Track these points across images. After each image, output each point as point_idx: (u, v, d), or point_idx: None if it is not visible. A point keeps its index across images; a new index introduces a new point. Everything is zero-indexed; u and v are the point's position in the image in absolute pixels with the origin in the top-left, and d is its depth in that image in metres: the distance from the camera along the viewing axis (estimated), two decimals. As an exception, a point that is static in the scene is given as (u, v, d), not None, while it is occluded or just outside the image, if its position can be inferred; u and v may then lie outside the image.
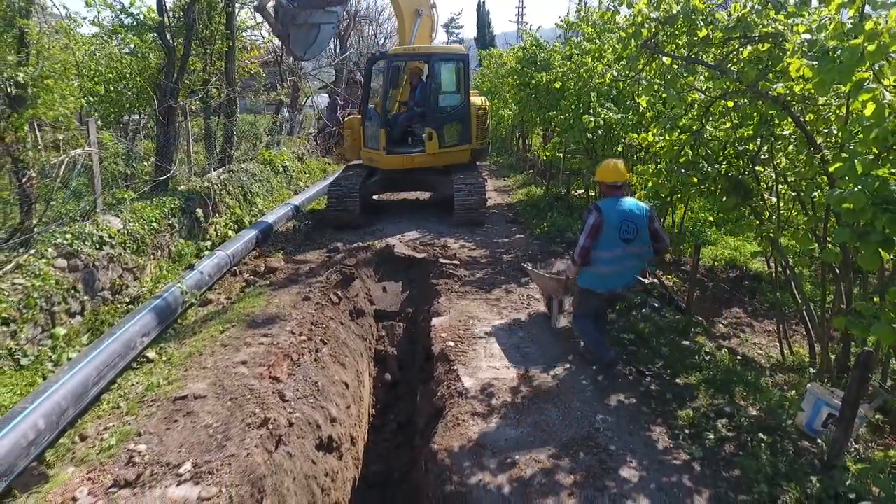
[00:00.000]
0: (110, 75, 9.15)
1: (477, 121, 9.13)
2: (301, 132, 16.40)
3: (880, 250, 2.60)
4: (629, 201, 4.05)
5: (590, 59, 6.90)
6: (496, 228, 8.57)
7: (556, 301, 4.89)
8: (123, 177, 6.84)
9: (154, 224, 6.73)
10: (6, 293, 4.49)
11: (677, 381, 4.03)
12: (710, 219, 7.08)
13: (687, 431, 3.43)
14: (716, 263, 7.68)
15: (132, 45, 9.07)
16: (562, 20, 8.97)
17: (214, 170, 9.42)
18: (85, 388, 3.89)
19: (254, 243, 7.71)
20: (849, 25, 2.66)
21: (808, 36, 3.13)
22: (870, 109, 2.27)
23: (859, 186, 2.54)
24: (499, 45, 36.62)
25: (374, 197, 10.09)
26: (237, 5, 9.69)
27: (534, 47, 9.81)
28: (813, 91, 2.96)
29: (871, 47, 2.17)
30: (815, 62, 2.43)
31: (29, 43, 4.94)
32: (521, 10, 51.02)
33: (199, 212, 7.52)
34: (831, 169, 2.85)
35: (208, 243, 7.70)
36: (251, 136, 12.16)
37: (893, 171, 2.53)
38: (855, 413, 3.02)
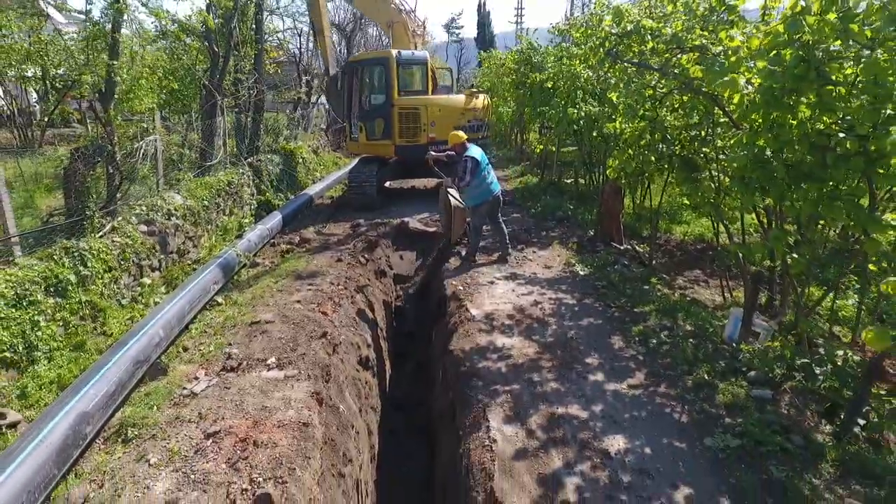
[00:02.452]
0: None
1: (402, 119, 9.69)
2: (314, 128, 17.59)
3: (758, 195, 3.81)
4: (475, 146, 6.74)
5: (577, 63, 8.09)
6: (496, 209, 9.74)
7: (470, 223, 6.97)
8: (179, 159, 8.03)
9: (205, 201, 7.93)
10: (109, 248, 5.69)
11: (635, 310, 5.24)
12: (686, 202, 8.30)
13: (637, 339, 4.65)
14: (685, 238, 8.88)
15: (157, 48, 10.30)
16: (553, 26, 10.17)
17: (245, 159, 10.62)
18: (182, 314, 5.10)
19: (286, 221, 8.94)
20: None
21: (722, 48, 4.33)
22: (735, 99, 3.47)
23: (744, 152, 3.75)
24: (498, 45, 37.79)
25: (387, 184, 11.32)
26: (265, 13, 10.92)
27: (529, 50, 10.98)
28: (705, 87, 4.16)
29: (732, 58, 3.36)
30: (702, 66, 3.62)
31: (119, 50, 6.15)
32: (520, 11, 52.14)
33: (247, 190, 8.72)
34: (731, 143, 4.06)
35: (247, 220, 8.92)
36: (272, 130, 13.35)
37: (767, 141, 3.74)
38: (752, 315, 4.24)
